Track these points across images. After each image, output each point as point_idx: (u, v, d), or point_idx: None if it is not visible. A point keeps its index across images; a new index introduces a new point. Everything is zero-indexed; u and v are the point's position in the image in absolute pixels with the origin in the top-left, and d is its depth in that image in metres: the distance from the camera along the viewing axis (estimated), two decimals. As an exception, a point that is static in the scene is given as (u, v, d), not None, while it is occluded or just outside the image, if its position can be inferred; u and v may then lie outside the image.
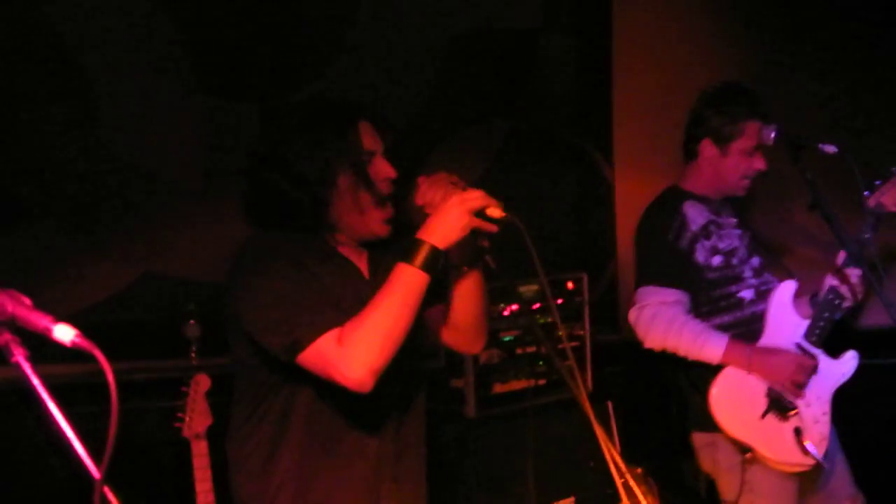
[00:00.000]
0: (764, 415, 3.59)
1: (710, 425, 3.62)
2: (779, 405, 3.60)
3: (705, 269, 3.69)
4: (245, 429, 2.54)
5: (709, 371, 3.61)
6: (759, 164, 3.76)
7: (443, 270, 2.47)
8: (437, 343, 2.74)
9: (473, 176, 3.72)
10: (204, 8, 4.14)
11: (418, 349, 2.59)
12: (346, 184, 2.43)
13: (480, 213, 2.37)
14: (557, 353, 2.54)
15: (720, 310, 3.71)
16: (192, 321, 3.69)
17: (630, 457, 3.77)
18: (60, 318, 1.61)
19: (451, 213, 2.36)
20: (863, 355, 4.92)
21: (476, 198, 2.37)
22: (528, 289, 3.92)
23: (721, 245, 3.72)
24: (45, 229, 3.93)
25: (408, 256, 2.35)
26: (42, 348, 1.65)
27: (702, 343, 3.58)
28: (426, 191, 2.43)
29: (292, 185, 2.41)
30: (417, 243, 2.35)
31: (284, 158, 2.42)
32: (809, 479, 3.75)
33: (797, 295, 3.79)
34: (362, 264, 2.57)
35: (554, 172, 5.02)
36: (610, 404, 4.21)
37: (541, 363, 4.07)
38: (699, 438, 3.75)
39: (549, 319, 3.83)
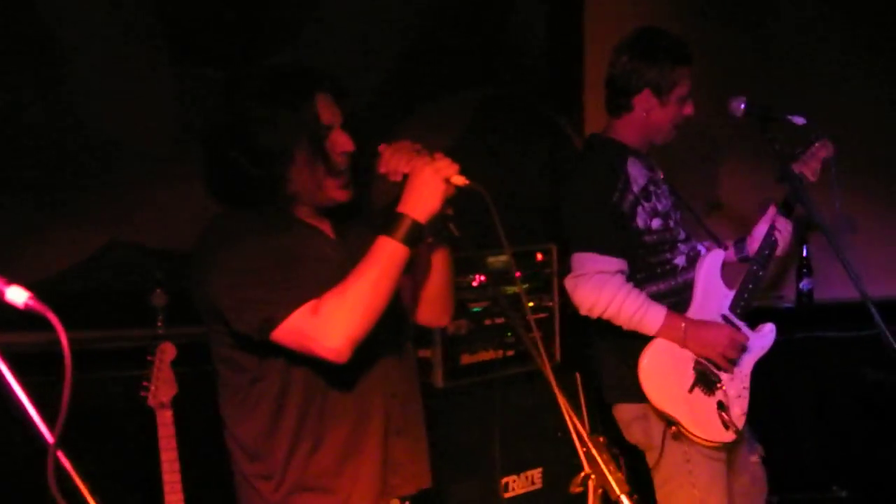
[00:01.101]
0: (691, 389, 3.58)
1: (641, 396, 3.59)
2: (705, 379, 3.59)
3: (644, 232, 3.61)
4: (239, 414, 2.51)
5: (637, 341, 3.58)
6: (689, 109, 3.69)
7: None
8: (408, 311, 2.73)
9: (443, 145, 3.69)
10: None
11: (403, 309, 2.62)
12: (303, 158, 2.41)
13: (447, 181, 2.37)
14: (523, 324, 2.52)
15: (656, 276, 3.65)
16: (158, 289, 3.66)
17: (598, 428, 3.81)
18: (25, 286, 1.58)
19: (428, 184, 2.36)
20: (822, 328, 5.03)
21: (446, 165, 2.37)
22: (496, 259, 3.92)
23: (660, 206, 3.66)
24: (8, 196, 3.90)
25: (388, 230, 2.35)
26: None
27: (642, 315, 3.53)
28: (389, 159, 2.42)
29: (249, 160, 2.38)
30: (398, 217, 2.36)
31: (241, 133, 2.39)
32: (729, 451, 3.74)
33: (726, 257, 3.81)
34: (326, 229, 2.55)
35: (524, 143, 4.99)
36: (578, 375, 4.20)
37: (509, 334, 4.05)
38: (629, 410, 3.69)
39: (517, 290, 3.81)
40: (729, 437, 3.59)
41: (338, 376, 2.43)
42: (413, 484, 2.62)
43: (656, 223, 3.63)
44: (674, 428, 3.56)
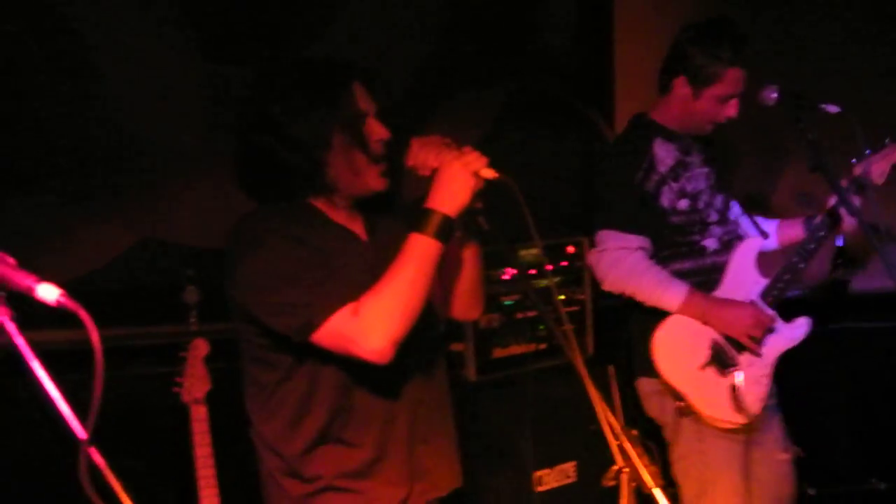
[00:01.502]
0: (704, 366, 3.57)
1: (657, 371, 3.60)
2: (720, 359, 3.58)
3: (670, 212, 3.61)
4: (265, 412, 2.50)
5: (659, 316, 3.58)
6: (731, 111, 3.64)
7: None
8: (438, 310, 2.71)
9: (473, 139, 3.68)
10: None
11: (431, 312, 2.58)
12: (341, 144, 2.40)
13: (475, 174, 2.36)
14: (554, 317, 2.51)
15: (681, 255, 3.65)
16: (190, 286, 3.67)
17: (632, 420, 3.80)
18: (58, 284, 1.59)
19: (457, 179, 2.35)
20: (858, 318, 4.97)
21: (475, 159, 2.36)
22: (528, 252, 3.91)
23: (688, 188, 3.65)
24: (42, 196, 3.92)
25: (420, 226, 2.33)
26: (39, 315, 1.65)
27: (662, 291, 3.54)
28: (418, 152, 2.41)
29: (287, 147, 2.36)
30: (427, 213, 2.34)
31: (278, 121, 2.37)
32: (749, 434, 3.70)
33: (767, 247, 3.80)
34: (358, 228, 2.54)
35: (556, 135, 4.98)
36: (611, 368, 4.18)
37: (541, 327, 4.05)
38: (647, 385, 3.70)
39: (549, 283, 3.81)
40: (739, 419, 3.56)
41: (366, 379, 2.42)
42: (441, 488, 2.61)
43: (683, 203, 3.63)
44: (680, 403, 3.56)
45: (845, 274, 5.00)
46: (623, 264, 3.55)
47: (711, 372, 3.57)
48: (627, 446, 2.16)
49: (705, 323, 3.57)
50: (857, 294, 5.06)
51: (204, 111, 4.16)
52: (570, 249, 4.19)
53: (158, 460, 3.75)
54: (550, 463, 4.06)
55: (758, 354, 3.61)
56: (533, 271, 3.91)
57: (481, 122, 4.74)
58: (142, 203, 4.10)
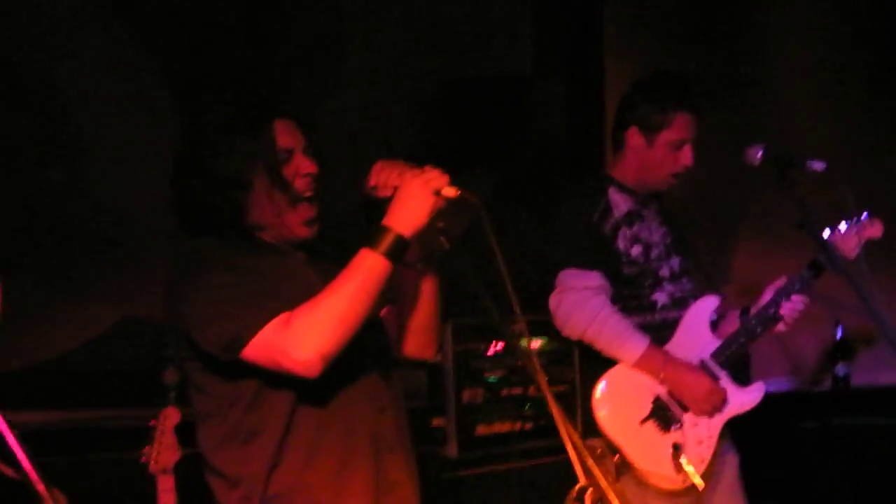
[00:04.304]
0: (644, 421, 3.46)
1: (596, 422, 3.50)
2: (662, 415, 3.48)
3: (625, 259, 3.55)
4: (217, 441, 2.39)
5: (606, 368, 3.50)
6: (686, 159, 3.58)
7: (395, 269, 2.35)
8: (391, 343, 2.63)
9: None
10: (185, 41, 4.16)
11: (386, 337, 2.55)
12: (262, 185, 2.37)
13: (437, 193, 2.30)
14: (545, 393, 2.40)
15: (630, 309, 3.56)
16: (170, 367, 3.58)
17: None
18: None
19: (416, 197, 2.29)
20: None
21: (435, 177, 2.30)
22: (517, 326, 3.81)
23: (642, 235, 3.60)
24: (18, 273, 3.86)
25: (372, 242, 2.26)
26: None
27: (621, 342, 3.46)
28: (380, 171, 2.36)
29: (209, 188, 2.35)
30: (382, 230, 2.27)
31: (200, 162, 2.36)
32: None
33: (724, 310, 3.70)
34: (298, 255, 2.48)
35: (546, 215, 4.96)
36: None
37: (527, 406, 3.93)
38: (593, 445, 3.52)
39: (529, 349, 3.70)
40: (678, 479, 3.43)
41: (320, 394, 2.33)
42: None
43: (636, 250, 3.57)
44: (617, 456, 3.44)
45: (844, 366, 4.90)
46: (585, 308, 3.46)
47: (652, 427, 3.47)
48: (591, 464, 2.04)
49: (660, 382, 3.48)
50: (858, 388, 4.93)
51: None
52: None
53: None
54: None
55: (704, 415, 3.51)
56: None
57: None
58: (120, 281, 4.06)
